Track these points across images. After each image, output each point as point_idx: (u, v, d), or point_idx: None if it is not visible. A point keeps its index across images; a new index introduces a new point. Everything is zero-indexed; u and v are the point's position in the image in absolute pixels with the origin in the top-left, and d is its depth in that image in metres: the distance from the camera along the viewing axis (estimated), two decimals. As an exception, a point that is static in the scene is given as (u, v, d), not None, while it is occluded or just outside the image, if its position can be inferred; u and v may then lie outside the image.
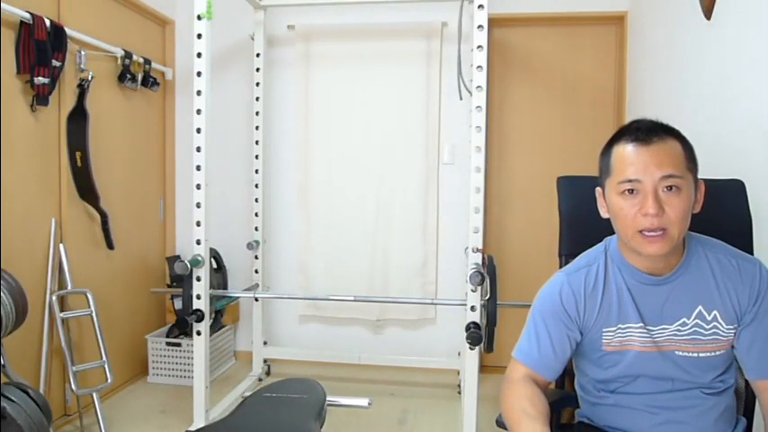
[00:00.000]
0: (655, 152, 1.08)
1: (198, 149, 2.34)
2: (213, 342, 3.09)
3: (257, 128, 3.15)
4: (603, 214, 1.20)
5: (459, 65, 2.61)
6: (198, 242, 2.37)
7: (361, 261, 3.25)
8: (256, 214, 3.15)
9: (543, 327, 1.22)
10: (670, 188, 1.07)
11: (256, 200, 3.15)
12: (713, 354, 1.17)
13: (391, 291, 3.23)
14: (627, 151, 1.11)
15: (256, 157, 3.15)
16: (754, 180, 1.50)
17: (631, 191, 1.10)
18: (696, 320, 1.16)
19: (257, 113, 3.15)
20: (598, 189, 1.21)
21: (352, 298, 2.77)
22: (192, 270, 2.35)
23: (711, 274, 1.17)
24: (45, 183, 2.45)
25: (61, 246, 2.49)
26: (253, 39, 3.14)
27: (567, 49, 3.21)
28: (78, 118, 2.56)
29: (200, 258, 2.36)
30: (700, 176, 1.16)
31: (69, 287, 2.47)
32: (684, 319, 1.16)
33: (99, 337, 2.45)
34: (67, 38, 2.38)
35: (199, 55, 2.33)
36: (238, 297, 3.14)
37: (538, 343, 1.21)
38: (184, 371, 3.03)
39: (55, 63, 2.33)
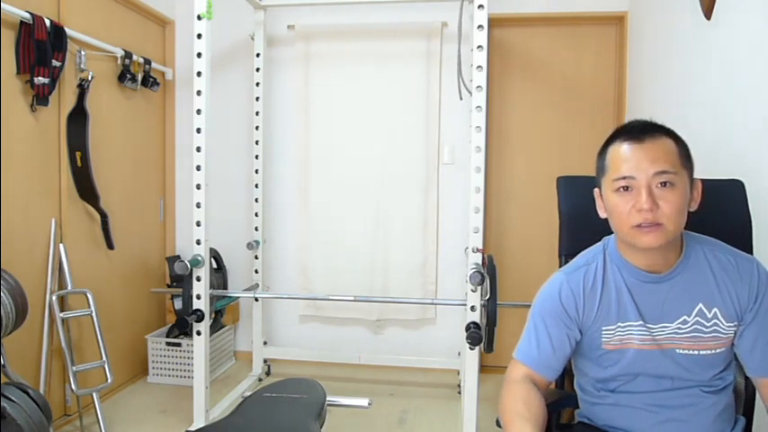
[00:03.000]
0: (648, 149, 1.10)
1: (198, 149, 2.34)
2: (213, 342, 3.09)
3: (257, 128, 3.15)
4: (602, 214, 1.21)
5: (460, 65, 2.61)
6: (198, 242, 2.37)
7: (361, 261, 3.25)
8: (256, 214, 3.15)
9: (543, 326, 1.22)
10: (664, 184, 1.08)
11: (256, 200, 3.16)
12: (713, 351, 1.17)
13: (391, 291, 3.23)
14: (621, 149, 1.13)
15: (256, 157, 3.15)
16: (754, 180, 1.50)
17: (626, 188, 1.11)
18: (697, 318, 1.16)
19: (257, 113, 3.15)
20: (596, 190, 1.23)
21: (352, 298, 2.78)
22: (192, 270, 2.35)
23: (711, 271, 1.17)
24: (45, 183, 2.45)
25: (61, 246, 2.49)
26: (253, 39, 3.14)
27: (567, 49, 3.21)
28: (78, 118, 2.56)
29: (200, 258, 2.36)
30: (700, 177, 1.16)
31: (69, 287, 2.47)
32: (685, 317, 1.16)
33: (99, 337, 2.45)
34: (67, 38, 2.38)
35: (199, 55, 2.33)
36: (238, 297, 3.14)
37: (537, 342, 1.22)
38: (184, 371, 3.03)
39: (55, 63, 2.33)
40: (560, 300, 1.21)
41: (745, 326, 1.16)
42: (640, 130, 1.12)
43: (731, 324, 1.16)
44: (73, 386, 2.33)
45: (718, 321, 1.16)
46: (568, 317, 1.21)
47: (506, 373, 1.24)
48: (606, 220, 1.20)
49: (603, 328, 1.20)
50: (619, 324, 1.19)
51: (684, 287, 1.17)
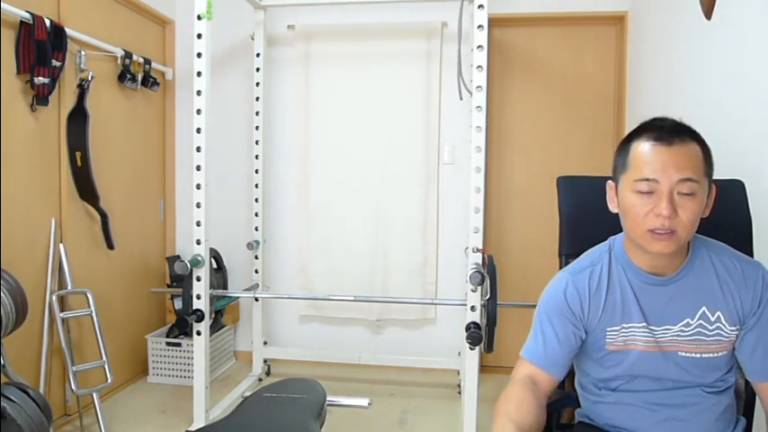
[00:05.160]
0: (675, 154, 1.07)
1: (198, 149, 2.34)
2: (213, 342, 3.09)
3: (257, 128, 3.15)
4: (612, 209, 1.20)
5: (460, 65, 2.61)
6: (198, 242, 2.37)
7: (361, 261, 3.25)
8: (256, 214, 3.15)
9: (549, 325, 1.22)
10: (686, 191, 1.07)
11: (256, 200, 3.15)
12: (715, 354, 1.17)
13: (391, 291, 3.23)
14: (647, 150, 1.10)
15: (256, 157, 3.15)
16: (754, 180, 1.50)
17: (647, 190, 1.09)
18: (700, 321, 1.16)
19: (257, 113, 3.15)
20: (609, 183, 1.21)
21: (352, 298, 2.78)
22: (192, 270, 2.35)
23: (715, 275, 1.17)
24: (45, 183, 2.45)
25: (61, 246, 2.49)
26: (253, 39, 3.14)
27: (567, 49, 3.21)
28: (78, 118, 2.56)
29: (200, 258, 2.36)
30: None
31: (69, 287, 2.47)
32: (688, 320, 1.16)
33: (99, 337, 2.45)
34: (67, 38, 2.38)
35: (199, 55, 2.33)
36: (238, 297, 3.14)
37: (544, 340, 1.22)
38: (184, 371, 3.03)
39: (55, 63, 2.33)
40: (566, 299, 1.21)
41: (746, 330, 1.16)
42: (669, 132, 1.09)
43: (734, 328, 1.16)
44: (73, 386, 2.33)
45: (721, 325, 1.15)
46: (574, 316, 1.21)
47: (512, 371, 1.24)
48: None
49: (608, 329, 1.20)
50: (623, 325, 1.19)
51: (688, 290, 1.16)
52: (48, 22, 2.28)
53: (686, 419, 1.17)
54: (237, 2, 3.05)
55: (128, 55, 2.85)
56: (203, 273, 2.38)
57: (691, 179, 1.06)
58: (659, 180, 1.07)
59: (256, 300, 3.16)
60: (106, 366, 2.43)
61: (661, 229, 1.07)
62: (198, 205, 2.35)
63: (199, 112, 2.34)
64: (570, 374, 1.40)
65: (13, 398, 1.75)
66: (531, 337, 1.24)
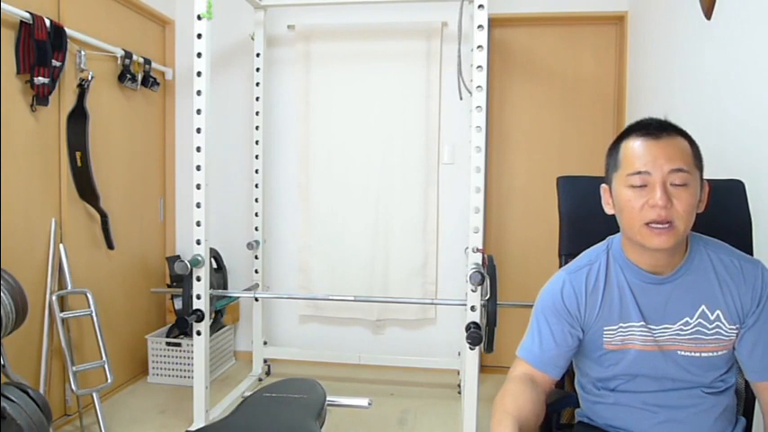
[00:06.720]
0: (664, 146, 1.09)
1: (198, 149, 2.34)
2: (213, 342, 3.09)
3: (257, 128, 3.15)
4: (608, 210, 1.20)
5: (460, 65, 2.62)
6: (198, 242, 2.37)
7: (361, 261, 3.25)
8: (256, 214, 3.15)
9: (545, 324, 1.22)
10: (678, 182, 1.08)
11: (256, 200, 3.16)
12: (715, 354, 1.17)
13: (391, 291, 3.23)
14: (636, 145, 1.12)
15: (256, 157, 3.15)
16: (754, 180, 1.50)
17: (640, 183, 1.10)
18: (699, 320, 1.16)
19: (257, 113, 3.15)
20: (603, 186, 1.21)
21: (352, 298, 2.78)
22: (192, 270, 2.35)
23: (714, 273, 1.17)
24: (45, 183, 2.45)
25: (61, 246, 2.49)
26: (253, 39, 3.14)
27: (567, 49, 3.21)
28: (78, 118, 2.56)
29: (200, 258, 2.36)
30: (700, 176, 1.16)
31: (69, 287, 2.47)
32: (687, 319, 1.16)
33: (99, 337, 2.45)
34: (67, 38, 2.38)
35: (199, 55, 2.33)
36: (238, 297, 3.14)
37: (540, 340, 1.22)
38: (184, 371, 3.03)
39: (55, 63, 2.33)
40: (562, 298, 1.21)
41: (746, 329, 1.16)
42: (656, 127, 1.11)
43: (733, 327, 1.16)
44: (73, 386, 2.33)
45: (720, 324, 1.15)
46: (570, 315, 1.21)
47: (509, 370, 1.24)
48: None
49: (605, 328, 1.20)
50: (621, 324, 1.19)
51: (687, 289, 1.16)
52: (48, 22, 2.28)
53: (685, 421, 1.17)
54: (237, 2, 3.05)
55: (128, 55, 2.85)
56: (203, 273, 2.38)
57: (682, 169, 1.07)
58: (651, 172, 1.08)
59: (256, 300, 3.16)
60: (106, 366, 2.43)
61: (658, 221, 1.07)
62: (198, 205, 2.35)
63: (199, 112, 2.34)
64: (570, 374, 1.40)
65: (13, 398, 1.75)
66: (528, 337, 1.25)
